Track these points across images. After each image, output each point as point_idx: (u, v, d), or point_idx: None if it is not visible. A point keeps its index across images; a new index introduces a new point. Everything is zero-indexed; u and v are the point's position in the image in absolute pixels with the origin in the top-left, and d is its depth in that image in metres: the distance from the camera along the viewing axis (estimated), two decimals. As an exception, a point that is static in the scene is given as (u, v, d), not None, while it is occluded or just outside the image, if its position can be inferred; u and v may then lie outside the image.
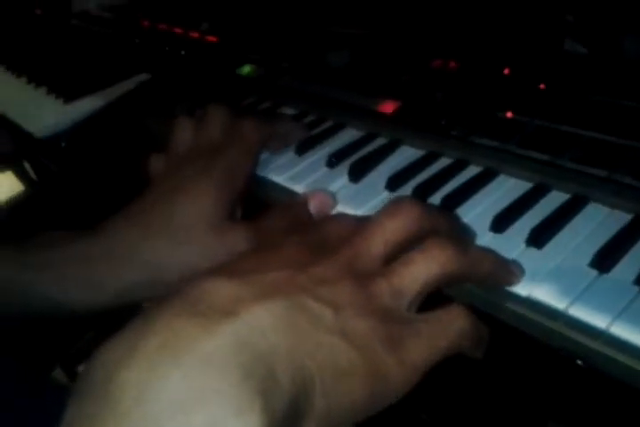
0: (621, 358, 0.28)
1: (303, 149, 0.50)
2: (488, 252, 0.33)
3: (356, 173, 0.45)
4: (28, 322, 0.41)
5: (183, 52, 0.75)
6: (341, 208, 0.42)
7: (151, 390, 0.21)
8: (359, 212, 0.41)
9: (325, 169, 0.47)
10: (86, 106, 0.70)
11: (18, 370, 0.42)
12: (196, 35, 0.78)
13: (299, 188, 0.46)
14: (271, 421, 0.21)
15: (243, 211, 0.43)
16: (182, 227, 0.38)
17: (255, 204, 0.44)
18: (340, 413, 0.25)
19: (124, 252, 0.38)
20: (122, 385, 0.21)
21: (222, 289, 0.25)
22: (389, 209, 0.31)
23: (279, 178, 0.47)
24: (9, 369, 0.42)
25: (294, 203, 0.42)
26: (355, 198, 0.43)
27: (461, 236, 0.35)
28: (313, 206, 0.40)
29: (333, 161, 0.47)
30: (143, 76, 0.74)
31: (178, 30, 0.81)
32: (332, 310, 0.26)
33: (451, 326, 0.28)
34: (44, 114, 0.71)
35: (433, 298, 0.30)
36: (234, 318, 0.23)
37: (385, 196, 0.42)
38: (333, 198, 0.42)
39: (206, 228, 0.38)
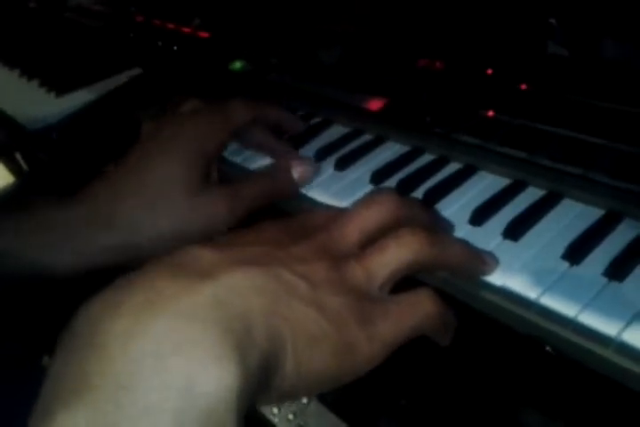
0: (588, 344, 0.30)
1: (291, 143, 0.51)
2: (461, 242, 0.34)
3: (342, 168, 0.46)
4: (17, 292, 0.41)
5: (175, 47, 0.76)
6: (327, 201, 0.43)
7: (135, 339, 0.22)
8: (344, 204, 0.42)
9: (313, 163, 0.48)
10: (78, 99, 0.71)
11: (9, 354, 0.43)
12: (188, 30, 0.79)
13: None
14: (245, 373, 0.22)
15: (218, 175, 0.44)
16: (156, 190, 0.39)
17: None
18: (308, 377, 0.26)
19: (102, 216, 0.39)
20: (107, 335, 0.22)
21: (205, 255, 0.26)
22: (367, 199, 0.33)
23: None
24: (4, 350, 0.43)
25: (277, 167, 0.43)
26: (340, 192, 0.44)
27: (436, 226, 0.36)
28: (297, 173, 0.41)
29: (321, 156, 0.48)
30: (135, 71, 0.75)
31: (170, 25, 0.82)
32: (308, 283, 0.27)
33: (418, 308, 0.30)
34: (36, 106, 0.72)
35: (409, 286, 0.32)
36: (213, 280, 0.25)
37: (369, 189, 0.44)
38: (316, 166, 0.43)
39: (179, 190, 0.39)
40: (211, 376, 0.21)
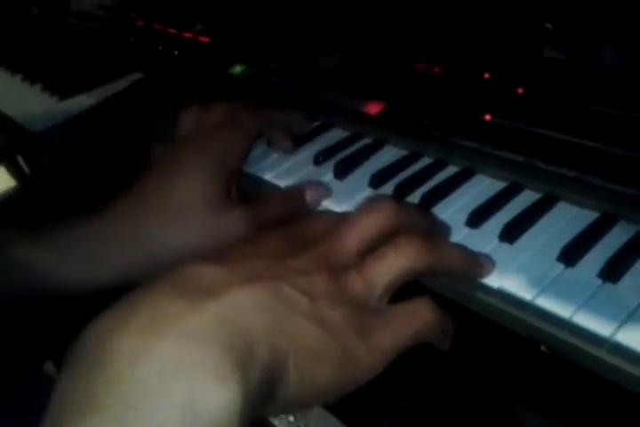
0: (583, 345, 0.30)
1: (291, 147, 0.51)
2: (458, 247, 0.35)
3: (341, 171, 0.46)
4: (25, 305, 0.42)
5: (176, 52, 0.77)
6: (326, 203, 0.44)
7: (141, 358, 0.23)
8: (343, 207, 0.43)
9: (312, 167, 0.49)
10: (80, 103, 0.71)
11: (13, 357, 0.44)
12: (189, 35, 0.80)
13: (286, 184, 0.47)
14: (247, 391, 0.23)
15: (237, 194, 0.44)
16: (181, 206, 0.40)
17: (245, 199, 0.46)
18: (311, 391, 0.27)
19: (128, 233, 0.40)
20: (114, 353, 0.23)
21: (207, 273, 0.27)
22: (366, 207, 0.33)
23: (268, 175, 0.49)
24: (6, 355, 0.43)
25: (291, 192, 0.44)
26: (339, 195, 0.44)
27: (434, 233, 0.37)
28: (309, 196, 0.42)
29: (320, 159, 0.49)
30: (137, 75, 0.75)
31: (171, 30, 0.83)
32: (308, 298, 0.28)
33: (416, 317, 0.30)
34: (38, 110, 0.73)
35: (409, 288, 0.32)
36: (216, 298, 0.25)
37: (368, 193, 0.44)
38: (328, 190, 0.44)
39: (204, 206, 0.40)
40: (212, 395, 0.22)
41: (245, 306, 0.26)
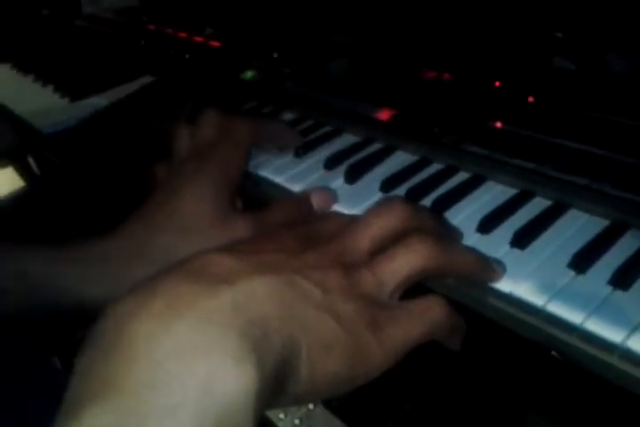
0: (593, 351, 0.31)
1: (303, 151, 0.52)
2: (469, 249, 0.35)
3: (352, 176, 0.47)
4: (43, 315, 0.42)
5: (187, 56, 0.77)
6: (337, 208, 0.44)
7: (158, 340, 0.23)
8: (353, 212, 0.43)
9: (323, 171, 0.49)
10: (91, 105, 0.72)
11: (25, 354, 0.44)
12: (200, 39, 0.80)
13: (297, 187, 0.48)
14: (262, 376, 0.23)
15: (243, 205, 0.45)
16: (187, 222, 0.41)
17: (255, 203, 0.46)
18: (322, 382, 0.27)
19: (139, 251, 0.40)
20: (131, 335, 0.23)
21: (223, 261, 0.27)
22: (378, 207, 0.34)
23: (279, 178, 0.50)
24: (18, 353, 0.43)
25: (298, 198, 0.44)
26: (350, 199, 0.45)
27: (445, 233, 0.37)
28: (315, 202, 0.43)
29: (331, 163, 0.49)
30: (147, 79, 0.76)
31: (182, 34, 0.84)
32: (321, 290, 0.28)
33: (427, 314, 0.31)
34: (49, 111, 0.73)
35: (419, 291, 0.32)
36: (232, 286, 0.26)
37: (379, 197, 0.45)
38: (334, 195, 0.44)
39: (210, 219, 0.41)
40: (229, 377, 0.22)
41: (259, 295, 0.26)
